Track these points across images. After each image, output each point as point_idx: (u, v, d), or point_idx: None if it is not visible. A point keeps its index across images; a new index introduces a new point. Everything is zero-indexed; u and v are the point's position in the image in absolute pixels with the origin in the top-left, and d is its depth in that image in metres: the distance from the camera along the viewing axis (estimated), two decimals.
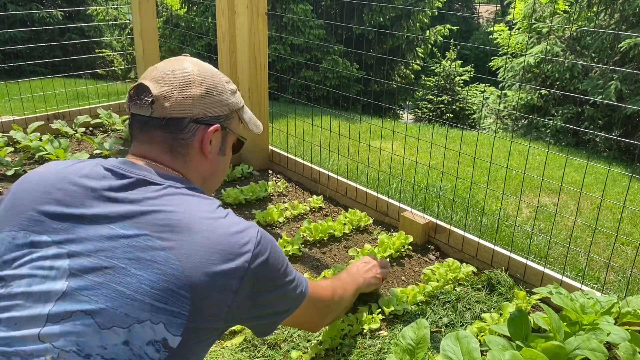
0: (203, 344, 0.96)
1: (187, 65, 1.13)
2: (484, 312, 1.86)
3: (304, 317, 1.27)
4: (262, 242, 1.03)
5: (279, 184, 2.94)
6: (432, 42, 11.94)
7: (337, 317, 1.63)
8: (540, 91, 8.44)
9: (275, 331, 1.73)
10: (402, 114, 11.55)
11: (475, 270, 2.16)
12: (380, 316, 1.83)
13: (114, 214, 0.96)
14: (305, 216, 2.63)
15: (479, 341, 1.54)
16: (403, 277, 2.16)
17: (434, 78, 12.68)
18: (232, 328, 1.76)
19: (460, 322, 1.84)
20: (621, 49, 7.46)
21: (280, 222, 2.55)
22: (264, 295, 1.04)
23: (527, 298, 1.94)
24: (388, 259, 2.24)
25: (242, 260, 0.97)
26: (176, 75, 1.10)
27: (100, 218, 0.96)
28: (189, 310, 0.90)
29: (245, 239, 0.99)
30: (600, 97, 7.22)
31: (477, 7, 25.12)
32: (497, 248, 2.18)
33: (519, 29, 9.91)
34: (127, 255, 0.91)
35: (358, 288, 1.73)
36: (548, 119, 8.19)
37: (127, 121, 1.14)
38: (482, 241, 2.22)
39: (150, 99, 1.07)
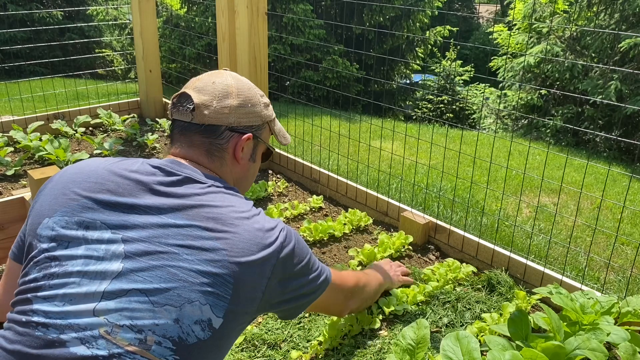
0: (238, 328, 1.05)
1: (227, 78, 1.26)
2: (484, 312, 1.86)
3: (330, 301, 1.38)
4: (288, 236, 1.14)
5: (279, 184, 2.94)
6: (432, 42, 11.93)
7: (361, 307, 1.71)
8: (540, 91, 8.44)
9: (275, 331, 1.74)
10: (402, 115, 11.54)
11: (475, 270, 2.16)
12: (380, 316, 1.83)
13: (164, 206, 1.05)
14: (305, 216, 2.63)
15: (479, 341, 1.54)
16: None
17: (433, 78, 12.68)
18: None
19: (460, 322, 1.84)
20: (621, 49, 7.46)
21: None
22: (292, 281, 1.15)
23: (527, 298, 1.94)
24: (388, 259, 2.24)
25: (273, 251, 1.07)
26: (216, 86, 1.22)
27: (152, 209, 1.05)
28: (231, 294, 1.00)
29: (276, 233, 1.10)
30: (600, 97, 7.22)
31: (477, 7, 25.12)
32: (497, 248, 2.18)
33: (518, 29, 9.91)
34: (179, 242, 1.00)
35: (382, 283, 1.81)
36: (548, 119, 8.19)
37: (169, 125, 1.32)
38: (482, 241, 2.22)
39: (192, 107, 1.19)
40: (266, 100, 1.33)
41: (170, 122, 1.22)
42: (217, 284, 0.99)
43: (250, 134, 1.25)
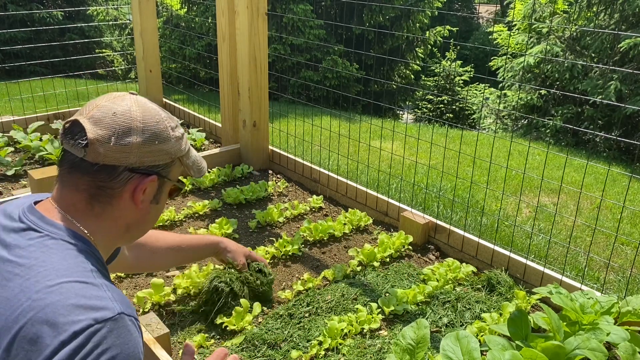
0: None
1: (131, 107, 1.03)
2: (484, 312, 1.87)
3: None
4: (105, 340, 0.84)
5: (279, 184, 2.94)
6: (431, 42, 11.93)
7: None
8: (540, 91, 8.44)
9: (275, 331, 1.74)
10: (402, 114, 11.54)
11: (475, 270, 2.16)
12: (380, 316, 1.83)
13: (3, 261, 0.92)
14: (305, 216, 2.64)
15: (479, 341, 1.55)
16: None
17: (433, 78, 12.68)
18: (232, 328, 1.77)
19: (460, 322, 1.84)
20: (621, 49, 7.46)
21: (280, 222, 2.56)
22: None
23: (527, 298, 1.94)
24: (388, 259, 2.24)
25: (51, 346, 0.81)
26: (117, 119, 1.01)
27: None
28: None
29: (82, 322, 0.84)
30: (600, 97, 7.22)
31: (477, 7, 25.11)
32: (497, 248, 2.18)
33: (518, 29, 9.91)
34: None
35: None
36: (548, 119, 8.19)
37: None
38: (482, 241, 2.23)
39: (85, 142, 0.98)
40: (179, 132, 1.10)
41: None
42: None
43: (154, 175, 1.05)
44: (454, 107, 10.68)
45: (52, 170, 2.26)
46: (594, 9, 8.20)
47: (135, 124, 1.02)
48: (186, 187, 2.82)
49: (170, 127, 1.08)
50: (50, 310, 0.84)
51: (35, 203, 1.04)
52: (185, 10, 10.77)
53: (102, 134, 0.99)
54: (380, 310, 1.86)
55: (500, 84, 9.39)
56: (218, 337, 1.76)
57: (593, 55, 8.10)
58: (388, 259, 2.24)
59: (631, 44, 7.16)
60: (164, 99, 4.20)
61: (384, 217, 2.61)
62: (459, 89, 11.85)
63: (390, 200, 2.58)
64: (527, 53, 8.65)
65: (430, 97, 10.82)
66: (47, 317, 0.83)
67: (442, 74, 11.87)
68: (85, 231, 1.01)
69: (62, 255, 0.93)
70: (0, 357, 0.83)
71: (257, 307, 1.86)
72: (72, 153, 1.01)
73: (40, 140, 3.25)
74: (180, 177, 1.20)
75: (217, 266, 2.00)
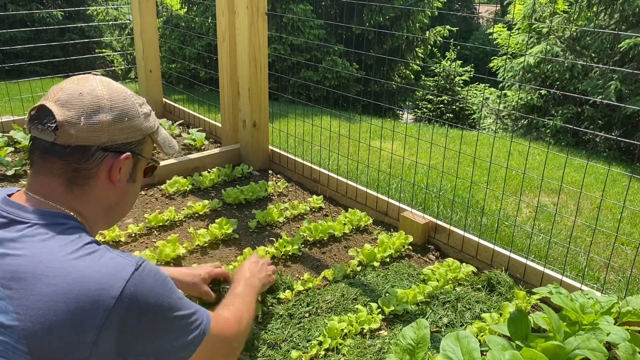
0: None
1: (97, 87, 1.04)
2: (484, 312, 1.87)
3: (210, 357, 1.13)
4: (137, 283, 0.91)
5: (279, 184, 2.94)
6: (431, 42, 11.93)
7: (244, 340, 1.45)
8: (540, 91, 8.44)
9: (275, 331, 1.74)
10: (402, 114, 11.54)
11: (475, 270, 2.16)
12: (380, 316, 1.83)
13: None
14: (305, 216, 2.64)
15: (479, 341, 1.55)
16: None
17: (433, 78, 12.69)
18: None
19: (460, 322, 1.84)
20: (621, 49, 7.46)
21: (280, 222, 2.55)
22: (138, 347, 0.92)
23: (527, 298, 1.94)
24: (388, 259, 2.24)
25: (99, 308, 0.86)
26: (84, 99, 1.01)
27: None
28: None
29: (110, 281, 0.89)
30: (600, 97, 7.23)
31: (477, 7, 25.11)
32: (497, 248, 2.18)
33: (518, 29, 9.91)
34: None
35: (257, 293, 1.62)
36: (548, 119, 8.19)
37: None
38: (482, 241, 2.23)
39: (54, 125, 0.98)
40: (146, 109, 1.13)
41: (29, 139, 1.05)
42: (9, 354, 0.83)
43: (128, 152, 1.06)
44: (454, 107, 10.69)
45: None
46: (594, 9, 8.20)
47: (103, 102, 1.02)
48: (186, 187, 2.82)
49: (137, 103, 1.10)
50: (82, 283, 0.87)
51: (8, 196, 1.02)
52: (185, 10, 10.77)
53: (70, 115, 0.99)
54: (380, 310, 1.86)
55: (500, 84, 9.39)
56: None
57: (593, 55, 8.10)
58: (388, 259, 2.24)
59: (631, 44, 7.16)
60: (164, 99, 4.20)
61: (384, 217, 2.61)
62: (459, 89, 11.86)
63: (390, 200, 2.58)
64: (527, 53, 8.65)
65: (430, 97, 10.83)
66: (79, 292, 0.86)
67: (442, 74, 11.88)
68: (71, 213, 1.01)
69: (59, 238, 0.94)
70: (46, 339, 0.85)
71: (257, 308, 1.86)
72: (42, 139, 1.00)
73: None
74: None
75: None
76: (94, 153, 1.01)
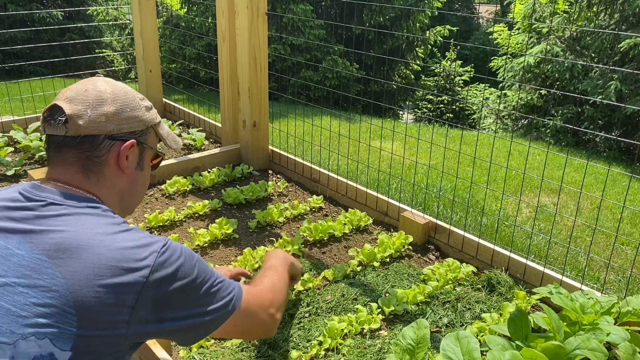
0: (107, 358, 0.95)
1: (100, 84, 1.16)
2: (484, 312, 1.87)
3: (248, 325, 1.21)
4: (168, 255, 1.01)
5: (279, 184, 2.94)
6: (431, 42, 11.93)
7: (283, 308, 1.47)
8: (540, 91, 8.44)
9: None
10: (402, 114, 11.54)
11: (475, 270, 2.16)
12: (380, 316, 1.83)
13: (10, 234, 0.98)
14: (305, 216, 2.64)
15: (479, 341, 1.55)
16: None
17: (433, 78, 12.69)
18: None
19: (460, 322, 1.84)
20: (621, 49, 7.46)
21: (280, 222, 2.56)
22: (172, 311, 1.02)
23: (527, 298, 1.94)
24: (388, 259, 2.24)
25: (137, 275, 0.96)
26: (89, 94, 1.13)
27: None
28: (77, 326, 0.91)
29: (145, 253, 0.99)
30: (600, 97, 7.22)
31: (477, 7, 25.11)
32: (497, 248, 2.18)
33: (518, 29, 9.92)
34: (18, 273, 0.93)
35: (288, 266, 1.61)
36: (548, 119, 8.19)
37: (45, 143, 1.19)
38: (482, 241, 2.23)
39: (64, 118, 1.10)
40: (147, 103, 1.23)
41: (45, 138, 1.17)
42: (56, 317, 0.90)
43: (133, 140, 1.16)
44: (454, 107, 10.69)
45: None
46: (594, 9, 8.20)
47: (105, 96, 1.14)
48: (186, 187, 2.82)
49: (138, 97, 1.21)
50: (122, 253, 0.97)
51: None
52: (185, 10, 10.77)
53: (78, 108, 1.11)
54: (380, 310, 1.86)
55: (501, 84, 9.39)
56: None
57: (593, 55, 8.10)
58: (388, 259, 2.24)
59: (631, 44, 7.16)
60: (164, 99, 4.20)
61: (384, 217, 2.61)
62: (459, 89, 11.86)
63: (390, 200, 2.58)
64: (527, 53, 8.65)
65: (430, 97, 10.83)
66: (121, 260, 0.96)
67: (442, 74, 11.88)
68: (95, 198, 1.11)
69: (96, 217, 1.04)
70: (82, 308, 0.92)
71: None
72: (56, 134, 1.11)
73: (40, 140, 3.25)
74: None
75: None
76: (102, 141, 1.12)
